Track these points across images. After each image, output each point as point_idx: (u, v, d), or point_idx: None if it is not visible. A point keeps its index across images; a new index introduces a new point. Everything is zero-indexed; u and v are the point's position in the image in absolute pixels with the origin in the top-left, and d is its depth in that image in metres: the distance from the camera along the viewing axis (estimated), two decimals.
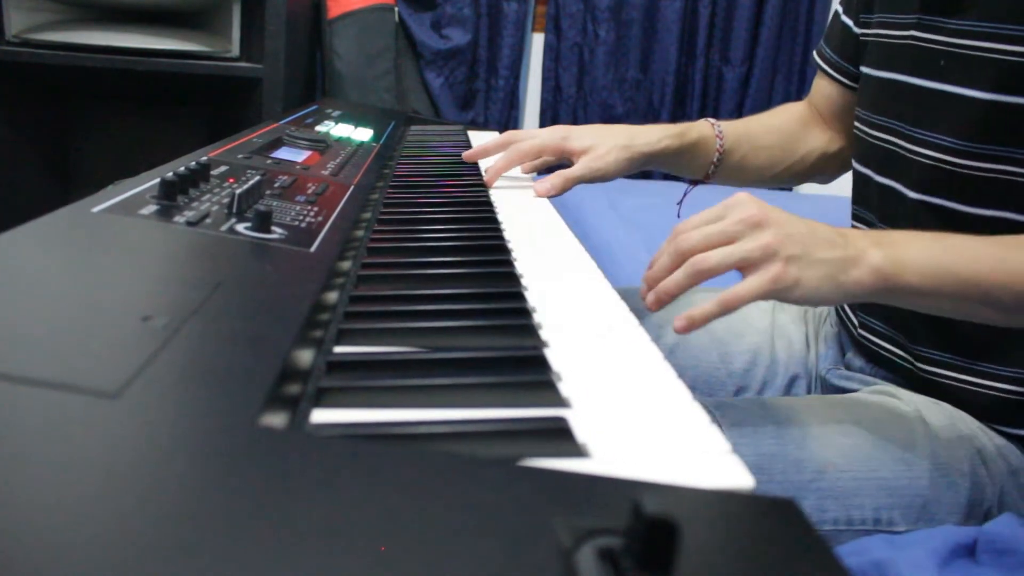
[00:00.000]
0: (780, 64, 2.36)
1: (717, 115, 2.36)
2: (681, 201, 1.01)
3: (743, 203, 0.60)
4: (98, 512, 0.23)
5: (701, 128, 0.92)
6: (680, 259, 0.60)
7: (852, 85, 0.89)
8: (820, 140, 0.96)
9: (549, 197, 0.88)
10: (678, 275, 0.59)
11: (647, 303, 0.62)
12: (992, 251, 0.59)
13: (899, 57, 0.75)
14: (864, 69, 0.82)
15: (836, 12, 0.91)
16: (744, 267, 0.58)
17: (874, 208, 0.79)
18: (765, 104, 2.35)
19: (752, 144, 0.94)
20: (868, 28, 0.82)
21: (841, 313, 0.88)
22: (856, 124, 0.82)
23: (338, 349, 0.44)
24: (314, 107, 1.32)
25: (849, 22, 0.88)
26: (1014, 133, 0.65)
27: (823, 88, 0.94)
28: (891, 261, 0.58)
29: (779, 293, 0.57)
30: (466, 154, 0.99)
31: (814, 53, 0.96)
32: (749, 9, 2.29)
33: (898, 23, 0.76)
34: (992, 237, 0.61)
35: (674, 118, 2.34)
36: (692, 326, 0.58)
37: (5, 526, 0.22)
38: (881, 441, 0.65)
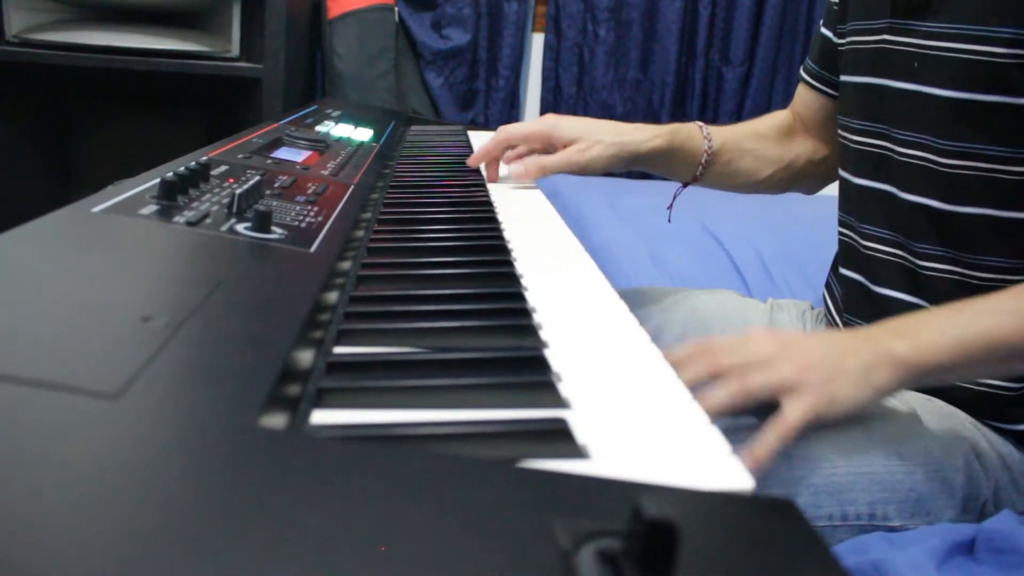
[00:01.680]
0: (780, 64, 2.36)
1: (717, 115, 2.36)
2: (671, 205, 1.01)
3: (760, 337, 0.60)
4: (98, 512, 0.23)
5: (690, 129, 0.93)
6: (715, 370, 0.58)
7: (833, 94, 0.91)
8: (806, 147, 0.97)
9: (520, 180, 0.91)
10: (722, 393, 0.57)
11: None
12: (1009, 307, 0.61)
13: (873, 62, 0.77)
14: (843, 77, 0.84)
15: (819, 26, 0.94)
16: (781, 391, 0.57)
17: (863, 212, 0.79)
18: (765, 104, 2.36)
19: (738, 148, 0.95)
20: (844, 38, 0.84)
21: (828, 316, 0.88)
22: (840, 132, 0.84)
23: (338, 349, 0.44)
24: (314, 107, 1.32)
25: (829, 34, 0.90)
26: (984, 129, 0.67)
27: (806, 98, 0.96)
28: (914, 349, 0.59)
29: (823, 412, 0.57)
30: (469, 160, 0.99)
31: (800, 69, 0.98)
32: (749, 9, 2.29)
33: (870, 29, 0.78)
34: (1003, 292, 0.62)
35: (674, 118, 2.34)
36: (759, 463, 0.56)
37: (5, 526, 0.22)
38: (874, 436, 0.66)
